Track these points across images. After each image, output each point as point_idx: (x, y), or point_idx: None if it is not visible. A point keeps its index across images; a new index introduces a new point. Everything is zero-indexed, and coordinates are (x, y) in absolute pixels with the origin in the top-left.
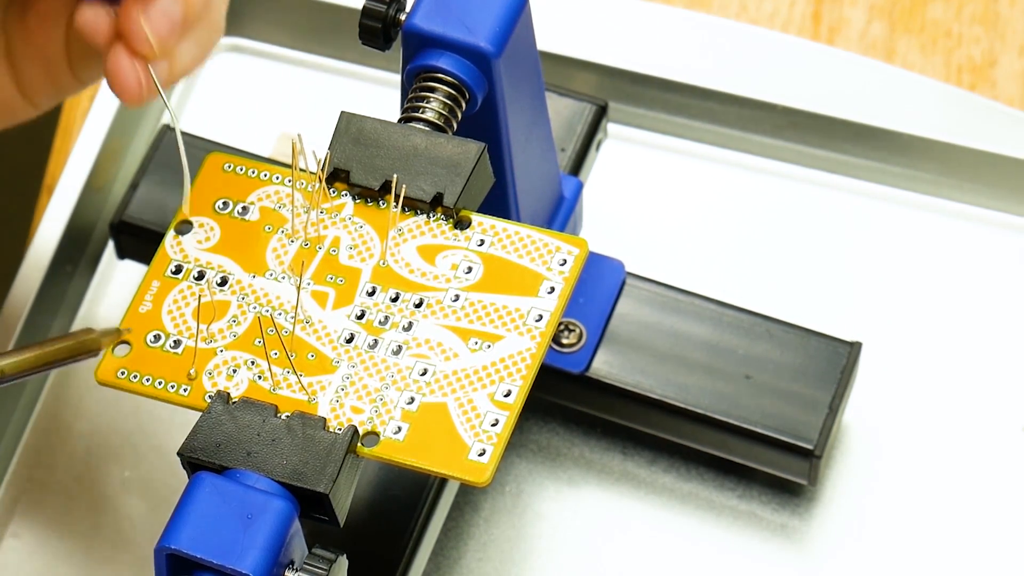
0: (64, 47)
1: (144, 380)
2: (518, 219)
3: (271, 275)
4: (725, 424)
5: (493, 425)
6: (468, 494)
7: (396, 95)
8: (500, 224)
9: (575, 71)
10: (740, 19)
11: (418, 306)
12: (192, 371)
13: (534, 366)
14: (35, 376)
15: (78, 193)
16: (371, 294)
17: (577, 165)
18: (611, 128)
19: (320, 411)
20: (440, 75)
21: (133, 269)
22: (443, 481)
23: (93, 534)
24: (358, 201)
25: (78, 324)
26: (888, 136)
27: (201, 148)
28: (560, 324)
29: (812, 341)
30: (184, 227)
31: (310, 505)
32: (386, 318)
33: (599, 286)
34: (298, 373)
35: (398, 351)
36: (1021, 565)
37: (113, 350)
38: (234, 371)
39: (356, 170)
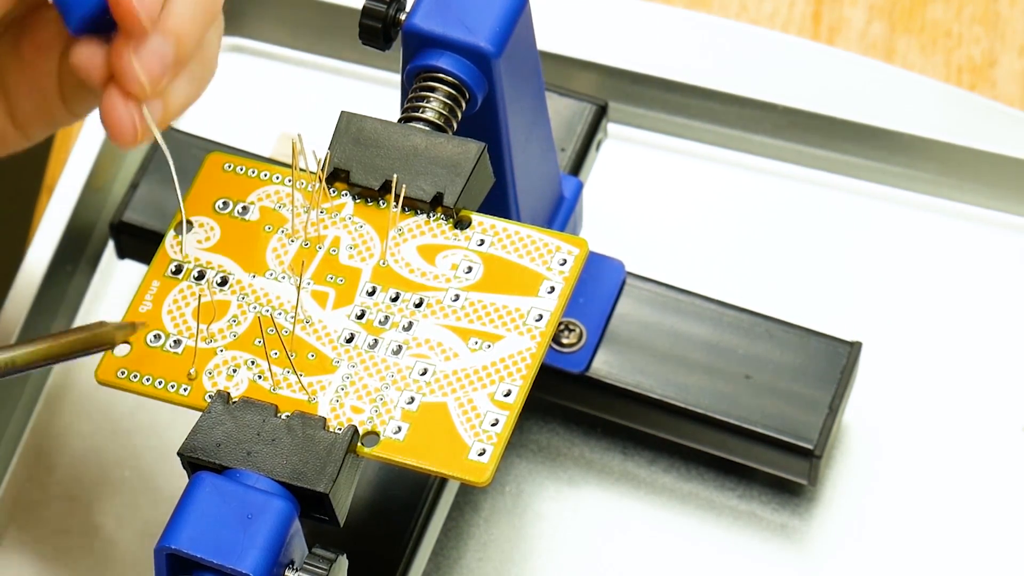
0: (57, 80)
1: (144, 380)
2: (518, 219)
3: (271, 275)
4: (725, 424)
5: (493, 425)
6: (468, 494)
7: (396, 95)
8: (500, 224)
9: (575, 71)
10: (740, 19)
11: (418, 306)
12: (192, 371)
13: (534, 366)
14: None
15: (78, 193)
16: (371, 294)
17: (577, 165)
18: (611, 128)
19: (320, 411)
20: (440, 75)
21: (133, 269)
22: (443, 481)
23: (93, 534)
24: (358, 201)
25: (78, 324)
26: (888, 136)
27: (201, 148)
28: (560, 324)
29: (812, 341)
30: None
31: (310, 505)
32: (386, 318)
33: (599, 286)
34: (298, 373)
35: (398, 351)
36: (1021, 565)
37: (113, 350)
38: (234, 371)
39: (356, 170)
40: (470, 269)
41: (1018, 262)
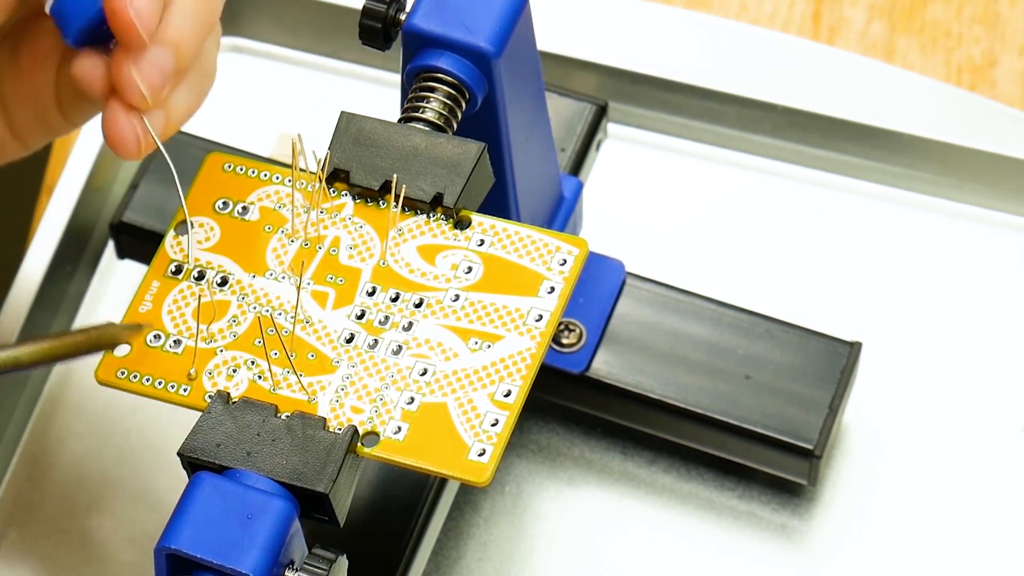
0: (55, 90)
1: (144, 380)
2: (518, 219)
3: (271, 275)
4: (725, 424)
5: (493, 425)
6: (468, 494)
7: (396, 95)
8: (500, 224)
9: (575, 71)
10: (740, 19)
11: (418, 306)
12: (192, 371)
13: (534, 366)
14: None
15: (78, 193)
16: (371, 294)
17: (577, 165)
18: (611, 128)
19: (320, 411)
20: (440, 75)
21: (133, 269)
22: (443, 481)
23: (92, 534)
24: (358, 201)
25: (78, 324)
26: (888, 136)
27: (201, 148)
28: (560, 324)
29: (812, 341)
30: (184, 227)
31: (310, 505)
32: (386, 318)
33: (599, 286)
34: (298, 373)
35: (398, 351)
36: (1021, 565)
37: (113, 350)
38: (234, 371)
39: (356, 170)
40: (470, 269)
41: (1018, 262)
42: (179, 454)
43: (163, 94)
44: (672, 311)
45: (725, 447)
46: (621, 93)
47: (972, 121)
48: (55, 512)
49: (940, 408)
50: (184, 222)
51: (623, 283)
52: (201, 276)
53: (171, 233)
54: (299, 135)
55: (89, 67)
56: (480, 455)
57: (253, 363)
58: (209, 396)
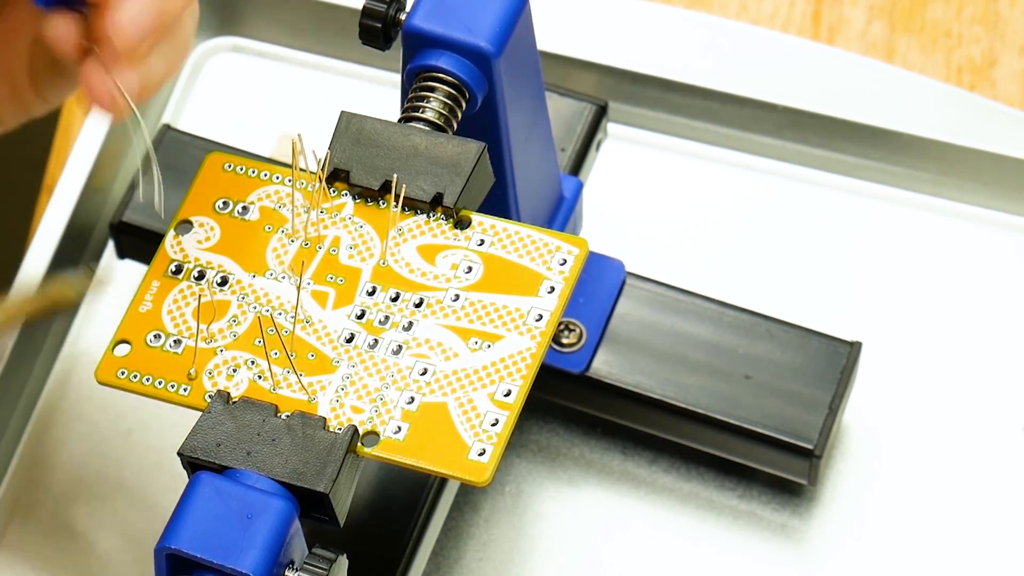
0: (28, 64)
1: (144, 380)
2: (518, 219)
3: (271, 275)
4: (725, 424)
5: (493, 425)
6: (468, 494)
7: (396, 95)
8: (500, 224)
9: (575, 71)
10: (740, 19)
11: (418, 306)
12: (192, 371)
13: (534, 366)
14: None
15: (78, 193)
16: (371, 294)
17: (577, 165)
18: (611, 128)
19: (320, 411)
20: (440, 75)
21: (133, 269)
22: (443, 481)
23: (93, 534)
24: (358, 201)
25: (78, 324)
26: (888, 136)
27: (201, 148)
28: (560, 324)
29: (812, 341)
30: (184, 227)
31: (310, 505)
32: (386, 318)
33: (599, 286)
34: (298, 373)
35: (398, 351)
36: (1021, 565)
37: (113, 350)
38: (234, 371)
39: (356, 170)
40: (470, 269)
41: (1018, 262)
42: (179, 454)
43: (140, 50)
44: (672, 311)
45: (725, 447)
46: (621, 93)
47: (972, 121)
48: (55, 512)
49: (940, 408)
50: (185, 222)
51: (623, 283)
52: (201, 276)
53: (171, 233)
54: (299, 135)
55: (63, 27)
56: (480, 455)
57: (253, 363)
58: (209, 396)
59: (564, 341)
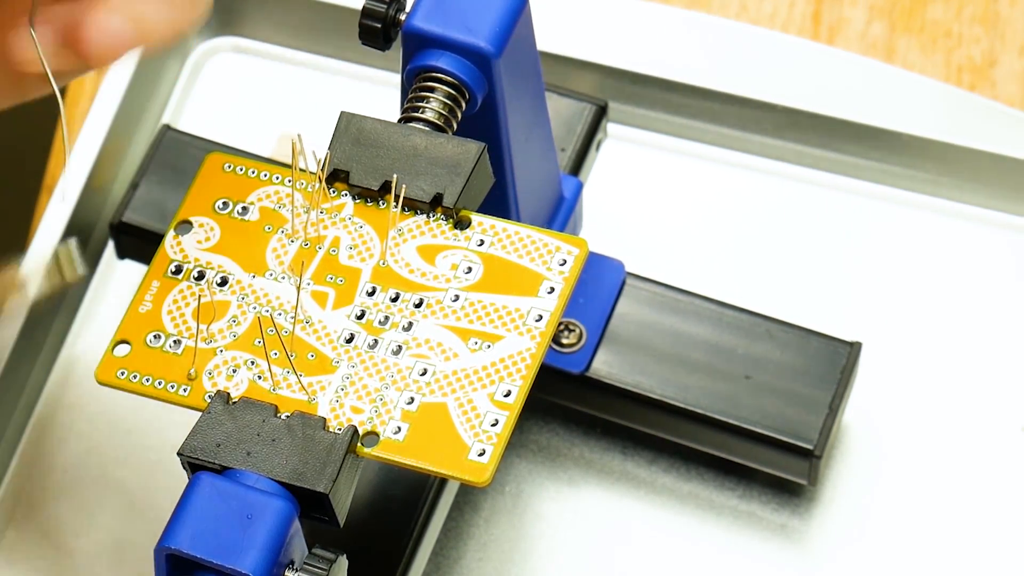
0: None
1: (144, 380)
2: (518, 219)
3: (271, 275)
4: (725, 424)
5: (493, 425)
6: (468, 494)
7: (396, 95)
8: (500, 224)
9: (575, 71)
10: (740, 19)
11: (418, 306)
12: (192, 371)
13: (534, 366)
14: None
15: (78, 193)
16: (371, 294)
17: (577, 165)
18: (611, 128)
19: (320, 411)
20: (440, 75)
21: (133, 269)
22: (443, 481)
23: (92, 534)
24: (358, 201)
25: (78, 324)
26: (888, 136)
27: (201, 148)
28: (560, 324)
29: (812, 341)
30: (184, 227)
31: (310, 505)
32: (386, 318)
33: (599, 286)
34: (298, 373)
35: (398, 351)
36: (1021, 565)
37: (113, 350)
38: (234, 371)
39: (356, 170)
40: (470, 269)
41: (1018, 262)
42: (179, 454)
43: None
44: (672, 311)
45: (725, 447)
46: (621, 93)
47: (972, 121)
48: (55, 512)
49: (940, 408)
50: (185, 222)
51: (623, 283)
52: (201, 276)
53: (171, 233)
54: (299, 135)
55: None
56: (480, 455)
57: (253, 363)
58: (209, 396)
59: (564, 341)
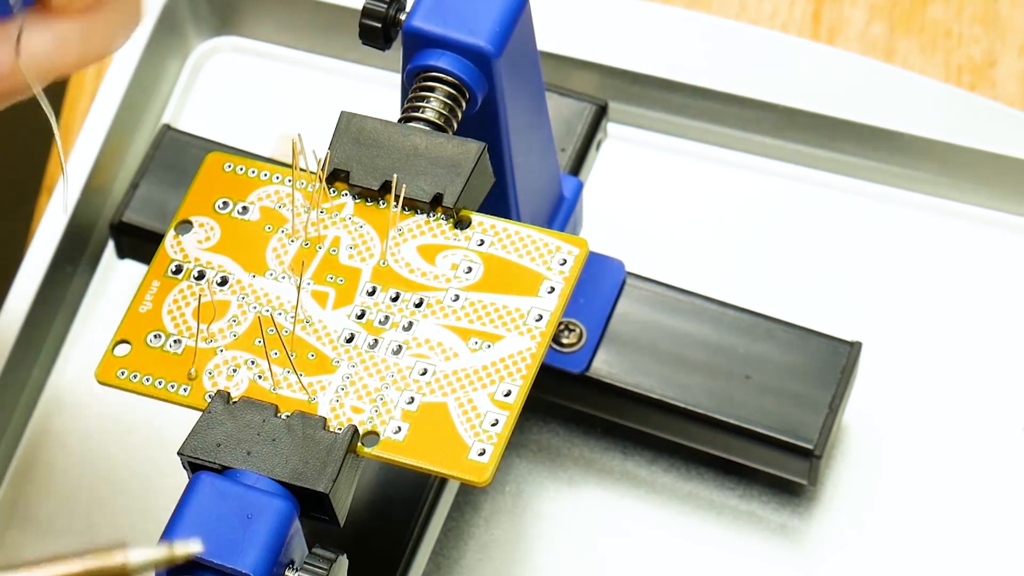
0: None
1: (144, 380)
2: (518, 219)
3: (271, 275)
4: (725, 424)
5: (493, 425)
6: (468, 494)
7: (396, 95)
8: (500, 224)
9: (575, 71)
10: (740, 19)
11: (418, 306)
12: (192, 371)
13: (534, 366)
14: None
15: (78, 193)
16: (371, 294)
17: (577, 165)
18: (611, 128)
19: (320, 411)
20: (440, 75)
21: (133, 269)
22: (443, 481)
23: (92, 534)
24: (358, 201)
25: (78, 324)
26: (888, 136)
27: (201, 148)
28: (560, 324)
29: (812, 341)
30: (184, 227)
31: (310, 505)
32: (386, 318)
33: (599, 286)
34: (298, 373)
35: (398, 351)
36: (1021, 565)
37: (113, 350)
38: (234, 371)
39: (356, 170)
40: (470, 269)
41: (1018, 262)
42: (179, 454)
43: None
44: (672, 311)
45: (725, 447)
46: (621, 93)
47: (972, 121)
48: (55, 512)
49: (940, 408)
50: (185, 222)
51: (623, 283)
52: (201, 276)
53: (171, 233)
54: (299, 135)
55: None
56: (480, 455)
57: (253, 363)
58: (209, 396)
59: (564, 341)
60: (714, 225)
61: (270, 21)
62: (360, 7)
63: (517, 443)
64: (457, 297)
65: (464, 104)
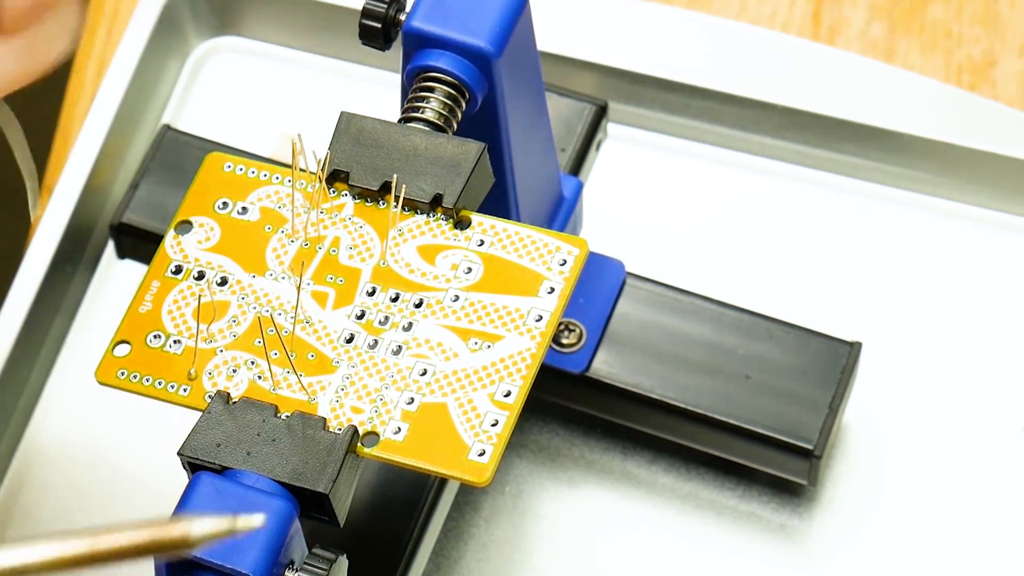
0: None
1: (144, 380)
2: (518, 219)
3: (271, 275)
4: (725, 424)
5: (493, 425)
6: (468, 494)
7: (396, 95)
8: (500, 224)
9: (575, 71)
10: (740, 19)
11: (418, 306)
12: (192, 371)
13: (534, 366)
14: (37, 373)
15: (78, 193)
16: (371, 294)
17: (577, 165)
18: (611, 128)
19: (320, 411)
20: (440, 75)
21: (133, 269)
22: (443, 481)
23: None
24: (358, 201)
25: (78, 324)
26: (888, 136)
27: (201, 148)
28: (560, 324)
29: (812, 341)
30: (184, 227)
31: (310, 505)
32: (386, 318)
33: (599, 286)
34: (298, 373)
35: (398, 351)
36: (1021, 565)
37: (113, 350)
38: (234, 371)
39: (356, 170)
40: (470, 269)
41: (1018, 262)
42: (179, 454)
43: (23, 17)
44: (672, 311)
45: (725, 447)
46: (621, 93)
47: (972, 121)
48: (55, 512)
49: (940, 408)
50: (185, 222)
51: (623, 283)
52: (201, 276)
53: (171, 233)
54: (299, 135)
55: None
56: (480, 455)
57: (253, 363)
58: (209, 396)
59: (564, 341)
60: (714, 225)
61: (270, 21)
62: (360, 7)
63: (517, 443)
64: (457, 297)
65: (464, 104)
